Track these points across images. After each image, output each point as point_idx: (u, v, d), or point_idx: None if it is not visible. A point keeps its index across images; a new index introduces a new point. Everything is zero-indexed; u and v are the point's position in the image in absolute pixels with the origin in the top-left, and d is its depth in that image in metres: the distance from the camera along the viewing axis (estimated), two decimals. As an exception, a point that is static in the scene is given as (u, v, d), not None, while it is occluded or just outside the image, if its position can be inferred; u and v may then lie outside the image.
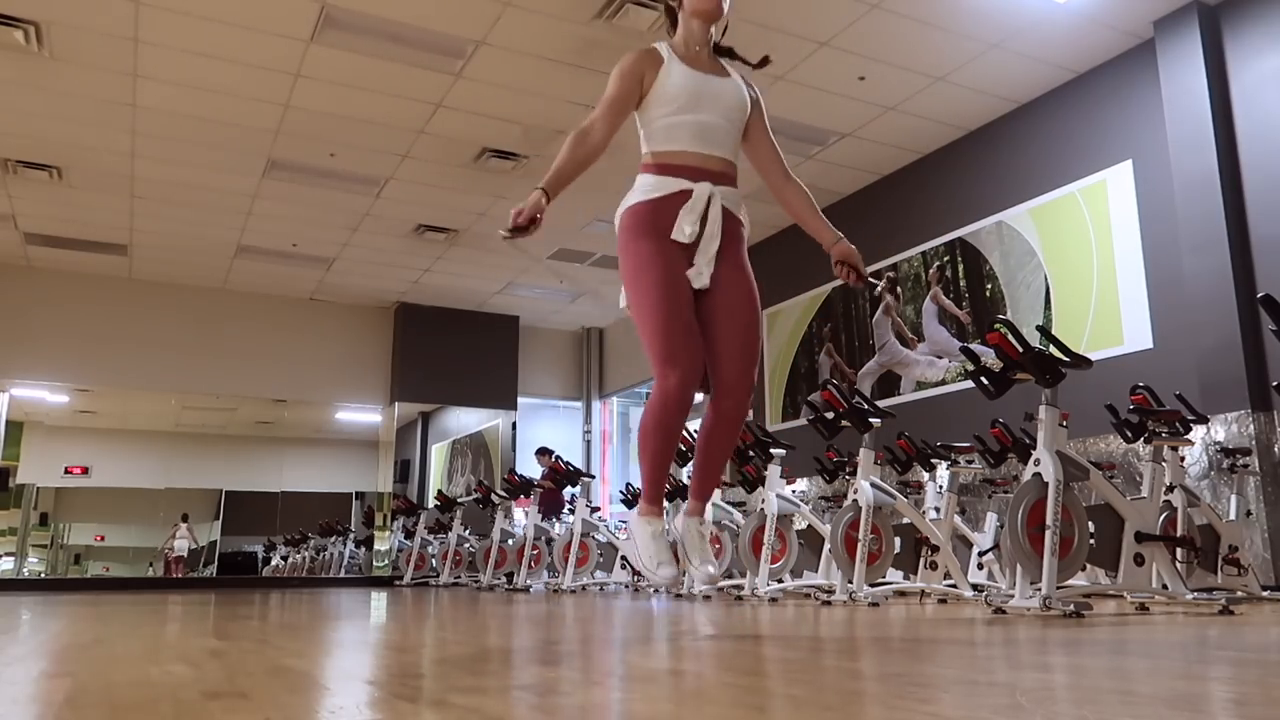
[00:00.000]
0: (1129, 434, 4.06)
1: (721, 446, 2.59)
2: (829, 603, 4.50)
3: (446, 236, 8.87)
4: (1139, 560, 3.64)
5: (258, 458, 11.59)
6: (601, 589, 7.41)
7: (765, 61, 2.64)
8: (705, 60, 2.61)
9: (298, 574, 11.49)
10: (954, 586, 4.76)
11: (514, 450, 11.35)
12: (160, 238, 8.86)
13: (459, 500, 9.66)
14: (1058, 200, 6.17)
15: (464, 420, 11.87)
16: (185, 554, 10.92)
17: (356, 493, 11.90)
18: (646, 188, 2.50)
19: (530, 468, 9.99)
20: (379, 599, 5.94)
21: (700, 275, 2.47)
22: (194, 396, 10.50)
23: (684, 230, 2.44)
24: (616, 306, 2.58)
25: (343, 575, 11.31)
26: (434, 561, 10.08)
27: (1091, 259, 5.91)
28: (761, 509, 5.20)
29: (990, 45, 5.82)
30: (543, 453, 9.48)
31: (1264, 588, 4.50)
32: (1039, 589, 3.18)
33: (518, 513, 9.18)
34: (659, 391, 2.41)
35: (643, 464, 2.50)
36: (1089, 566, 4.18)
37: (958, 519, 5.13)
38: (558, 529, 8.12)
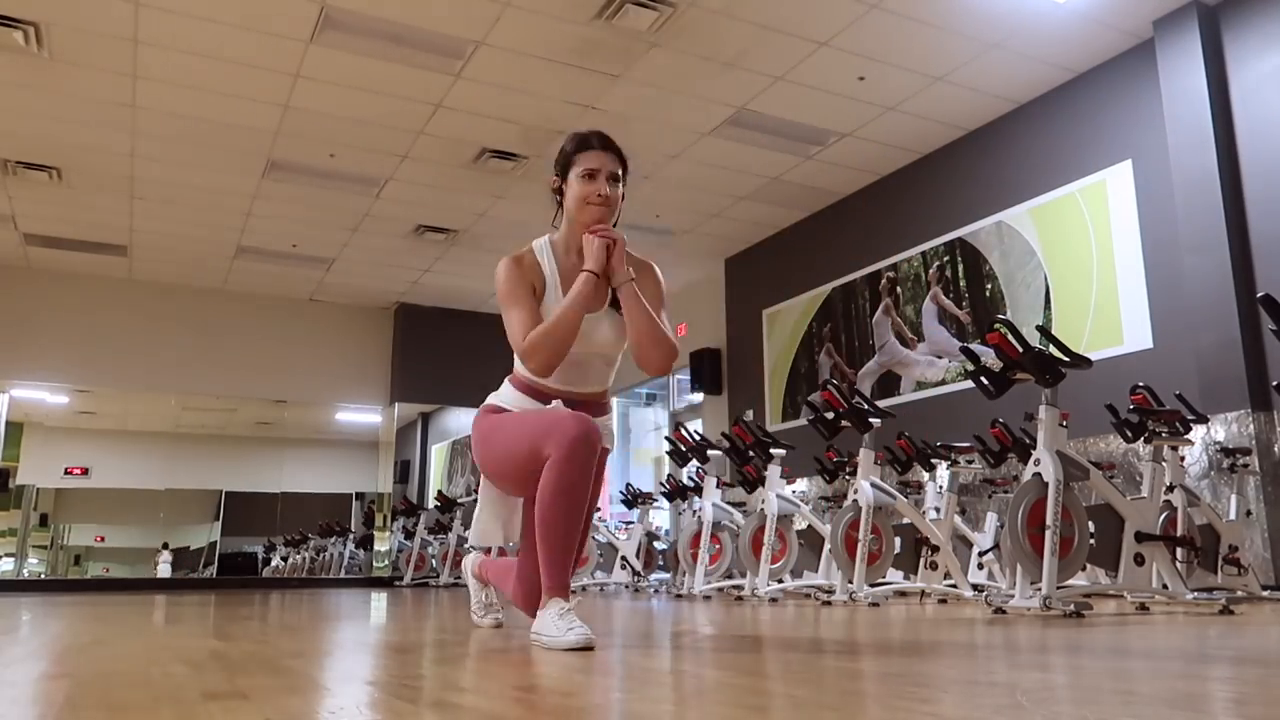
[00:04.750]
0: (1129, 434, 4.06)
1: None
2: (829, 603, 4.50)
3: (446, 237, 8.87)
4: (1139, 560, 3.64)
5: (257, 458, 11.59)
6: (601, 589, 7.41)
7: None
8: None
9: (298, 575, 11.49)
10: (954, 586, 4.76)
11: (514, 451, 11.33)
12: (160, 238, 8.86)
13: (459, 500, 9.66)
14: (1057, 200, 6.17)
15: (464, 420, 11.86)
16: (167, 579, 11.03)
17: (356, 493, 11.90)
18: (513, 402, 2.38)
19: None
20: (379, 600, 5.94)
21: None
22: (194, 397, 10.50)
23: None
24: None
25: (343, 576, 11.31)
26: (434, 562, 10.08)
27: (1091, 259, 5.91)
28: (761, 509, 5.20)
29: (990, 45, 5.82)
30: None
31: (1264, 587, 4.50)
32: (1039, 589, 3.18)
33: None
34: (567, 442, 2.15)
35: (554, 540, 2.19)
36: (1089, 566, 4.18)
37: (958, 519, 5.13)
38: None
